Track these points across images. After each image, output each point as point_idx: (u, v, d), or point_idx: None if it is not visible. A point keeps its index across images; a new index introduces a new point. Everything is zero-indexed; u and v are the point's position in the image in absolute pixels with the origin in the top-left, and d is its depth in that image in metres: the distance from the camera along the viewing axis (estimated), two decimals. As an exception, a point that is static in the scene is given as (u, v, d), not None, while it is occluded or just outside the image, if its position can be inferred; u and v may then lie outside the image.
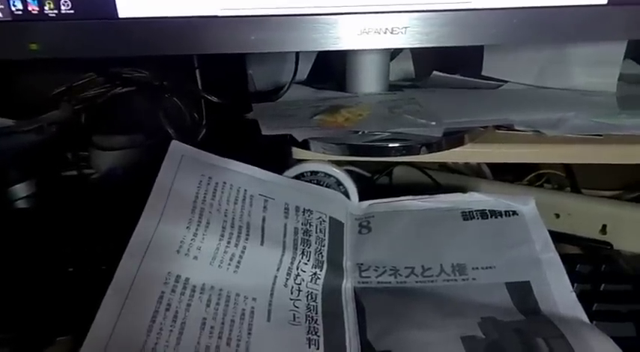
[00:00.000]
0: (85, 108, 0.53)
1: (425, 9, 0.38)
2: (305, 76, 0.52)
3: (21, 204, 0.45)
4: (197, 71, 0.55)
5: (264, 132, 0.39)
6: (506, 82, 0.50)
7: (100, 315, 0.26)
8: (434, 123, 0.40)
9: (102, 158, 0.52)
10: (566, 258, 0.34)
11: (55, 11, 0.37)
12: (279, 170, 0.41)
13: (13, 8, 0.36)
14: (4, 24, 0.37)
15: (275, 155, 0.43)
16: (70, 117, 0.51)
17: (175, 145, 0.36)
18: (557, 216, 0.44)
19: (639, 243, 0.41)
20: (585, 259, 0.37)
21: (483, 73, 0.51)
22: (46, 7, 0.37)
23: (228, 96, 0.52)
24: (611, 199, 0.46)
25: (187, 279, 0.30)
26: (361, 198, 0.41)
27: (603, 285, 0.34)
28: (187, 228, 0.32)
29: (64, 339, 0.32)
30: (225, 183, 0.36)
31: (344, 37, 0.39)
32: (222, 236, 0.32)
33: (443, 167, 0.53)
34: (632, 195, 0.48)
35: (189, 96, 0.54)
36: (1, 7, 0.36)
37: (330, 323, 0.31)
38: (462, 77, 0.50)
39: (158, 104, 0.53)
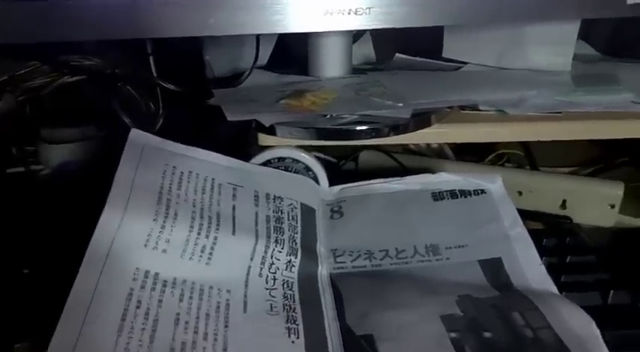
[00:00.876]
0: (30, 99, 0.49)
1: (388, -11, 0.38)
2: (265, 61, 0.51)
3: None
4: (151, 58, 0.52)
5: (230, 117, 0.37)
6: (466, 63, 0.50)
7: (63, 316, 0.25)
8: (401, 104, 0.40)
9: (52, 152, 0.48)
10: (532, 234, 0.35)
11: (-5, -9, 0.34)
12: (244, 158, 0.39)
13: (-55, -12, 0.33)
14: None
15: (239, 142, 0.41)
16: (13, 108, 0.48)
17: (136, 134, 0.34)
18: (520, 193, 0.45)
19: (596, 216, 0.43)
20: (550, 233, 0.38)
21: (444, 55, 0.51)
22: (-17, -13, 0.33)
23: (185, 84, 0.50)
24: (570, 175, 0.48)
25: (157, 274, 0.28)
26: (329, 185, 0.41)
27: (569, 257, 0.36)
28: (154, 220, 0.30)
29: (22, 345, 0.30)
30: (191, 172, 0.34)
31: (307, 18, 0.38)
32: (192, 227, 0.31)
33: (406, 150, 0.54)
34: (587, 170, 0.50)
35: (144, 84, 0.51)
36: None
37: (308, 311, 0.30)
38: (423, 59, 0.50)
39: (111, 93, 0.50)
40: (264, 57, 0.51)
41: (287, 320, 0.29)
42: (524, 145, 0.52)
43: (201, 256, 0.30)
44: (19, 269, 0.34)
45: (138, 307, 0.27)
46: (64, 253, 0.31)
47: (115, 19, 0.36)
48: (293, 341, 0.28)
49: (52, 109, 0.50)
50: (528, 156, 0.52)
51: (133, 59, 0.51)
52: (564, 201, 0.44)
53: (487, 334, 0.27)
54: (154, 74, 0.52)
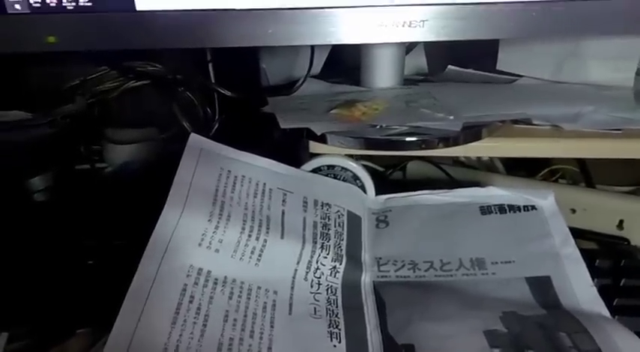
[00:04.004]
0: (99, 101, 0.53)
1: (443, 2, 0.38)
2: (319, 70, 0.52)
3: (37, 197, 0.45)
4: (210, 65, 0.55)
5: (282, 125, 0.39)
6: (521, 76, 0.49)
7: (124, 306, 0.26)
8: (452, 117, 0.40)
9: (115, 152, 0.52)
10: (585, 253, 0.34)
11: (73, 3, 0.37)
12: (295, 164, 0.41)
13: (32, 1, 0.36)
14: (22, 16, 0.37)
15: (290, 149, 0.43)
16: (83, 110, 0.51)
17: (194, 138, 0.36)
18: (574, 211, 0.44)
19: (656, 238, 0.41)
20: (604, 254, 0.37)
21: (498, 68, 0.50)
22: (64, 0, 0.36)
23: (241, 90, 0.52)
24: (629, 194, 0.46)
25: (209, 272, 0.30)
26: (375, 194, 0.41)
27: (624, 280, 0.34)
28: (209, 220, 0.32)
29: (83, 331, 0.32)
30: (244, 176, 0.36)
31: (361, 30, 0.39)
32: (243, 229, 0.32)
33: (456, 162, 0.53)
34: (648, 190, 0.48)
35: (202, 90, 0.54)
36: (20, -1, 0.36)
37: (350, 317, 0.31)
38: (476, 71, 0.50)
39: (171, 98, 0.53)
40: (318, 66, 0.52)
41: (329, 325, 0.30)
42: (580, 162, 0.51)
43: (250, 257, 0.32)
44: (83, 260, 0.36)
45: (191, 302, 0.28)
46: (126, 247, 0.33)
47: (181, 30, 0.38)
48: (335, 345, 0.29)
49: (118, 112, 0.54)
50: (584, 173, 0.50)
51: (193, 66, 0.53)
52: (621, 222, 0.42)
53: (531, 352, 0.27)
54: (212, 81, 0.54)
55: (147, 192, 0.34)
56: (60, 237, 0.39)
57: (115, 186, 0.49)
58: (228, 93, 0.52)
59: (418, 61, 0.54)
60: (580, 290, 0.32)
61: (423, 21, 0.39)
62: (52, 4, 0.36)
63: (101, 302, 0.28)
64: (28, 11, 0.36)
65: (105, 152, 0.52)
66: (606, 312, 0.30)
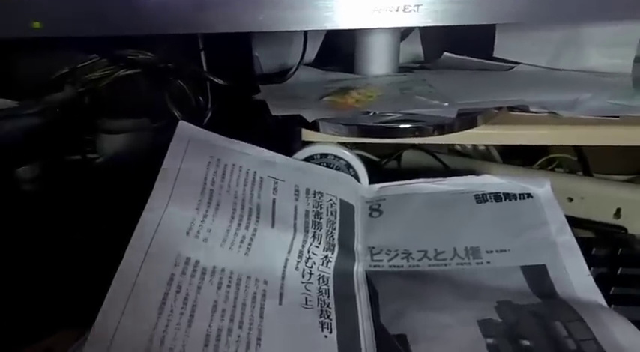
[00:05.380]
0: (89, 90, 0.52)
1: (438, -14, 0.37)
2: (312, 58, 0.51)
3: (26, 187, 0.44)
4: (202, 53, 0.54)
5: (274, 112, 0.38)
6: (518, 63, 0.49)
7: (108, 297, 0.26)
8: (447, 104, 0.39)
9: (107, 141, 0.51)
10: (581, 242, 0.33)
11: (59, -12, 0.36)
12: (287, 152, 0.40)
13: (15, -15, 0.35)
14: (6, 1, 0.36)
15: (283, 137, 0.42)
16: (73, 99, 0.50)
17: (183, 126, 0.35)
18: (570, 200, 0.43)
19: (654, 227, 0.41)
20: (601, 243, 0.37)
21: (495, 55, 0.50)
22: (49, -16, 0.35)
23: (233, 79, 0.51)
24: (626, 183, 0.45)
25: (197, 262, 0.29)
26: (370, 182, 0.40)
27: (620, 269, 0.34)
28: (197, 209, 0.31)
29: (70, 328, 0.31)
30: (234, 164, 0.35)
31: (356, 15, 0.38)
32: (233, 218, 0.32)
33: (451, 151, 0.53)
34: (646, 178, 0.48)
35: (195, 78, 0.53)
36: (3, -17, 0.35)
37: (342, 307, 0.30)
38: (473, 58, 0.49)
39: (163, 86, 0.52)
40: (312, 54, 0.51)
41: (321, 315, 0.29)
42: (578, 150, 0.50)
43: (240, 246, 0.31)
44: (71, 254, 0.36)
45: (178, 292, 0.27)
46: (115, 239, 0.33)
47: (168, 15, 0.37)
48: (326, 336, 0.28)
49: (109, 101, 0.53)
50: (581, 162, 0.50)
51: (184, 54, 0.52)
52: (619, 210, 0.42)
53: (526, 342, 0.26)
54: (205, 69, 0.53)
55: (138, 182, 0.34)
56: (48, 229, 0.38)
57: (107, 176, 0.49)
58: (221, 82, 0.51)
59: (414, 48, 0.54)
60: (576, 278, 0.31)
61: (418, 5, 0.38)
62: (36, -11, 0.36)
63: (89, 296, 0.28)
64: (12, -4, 0.35)
65: (96, 142, 0.51)
66: (602, 301, 0.30)
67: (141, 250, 0.28)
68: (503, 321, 0.28)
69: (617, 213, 0.42)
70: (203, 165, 0.34)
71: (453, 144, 0.52)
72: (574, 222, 0.40)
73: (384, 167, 0.50)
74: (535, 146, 0.50)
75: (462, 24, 0.38)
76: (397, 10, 0.38)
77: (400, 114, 0.39)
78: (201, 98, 0.53)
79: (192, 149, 0.34)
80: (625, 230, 0.41)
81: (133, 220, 0.30)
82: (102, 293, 0.27)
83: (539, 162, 0.51)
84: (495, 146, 0.52)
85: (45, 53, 0.51)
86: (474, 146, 0.53)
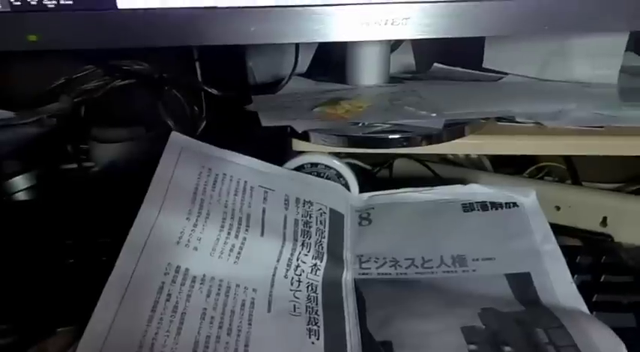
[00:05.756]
0: (85, 100, 0.52)
1: (426, 0, 0.38)
2: (305, 69, 0.52)
3: (21, 196, 0.45)
4: (197, 63, 0.55)
5: (264, 123, 0.39)
6: (507, 74, 0.49)
7: (100, 304, 0.26)
8: (434, 114, 0.40)
9: (102, 151, 0.51)
10: (566, 250, 0.34)
11: (54, 2, 0.36)
12: (279, 162, 0.41)
13: (12, -1, 0.36)
14: (2, 15, 0.36)
15: (275, 147, 0.43)
16: (69, 109, 0.51)
17: (175, 137, 0.36)
18: (558, 208, 0.44)
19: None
20: (586, 251, 0.37)
21: (484, 66, 0.50)
22: (45, -2, 0.36)
23: (228, 89, 0.52)
24: (612, 191, 0.46)
25: (187, 270, 0.30)
26: (362, 191, 0.41)
27: (604, 276, 0.34)
28: (187, 219, 0.32)
29: (64, 330, 0.32)
30: (225, 174, 0.36)
31: (344, 28, 0.39)
32: (223, 227, 0.32)
33: (443, 160, 0.53)
34: (633, 187, 0.48)
35: (189, 88, 0.54)
36: (0, -3, 0.36)
37: (330, 314, 0.31)
38: (462, 69, 0.50)
39: (158, 97, 0.53)
40: (304, 64, 0.52)
41: (309, 322, 0.30)
42: (567, 159, 0.51)
43: (229, 255, 0.32)
44: (65, 258, 0.36)
45: (168, 300, 0.28)
46: (108, 246, 0.33)
47: (164, 28, 0.38)
48: (313, 342, 0.29)
49: (104, 110, 0.54)
50: (570, 170, 0.50)
51: (179, 65, 0.53)
52: (605, 218, 0.42)
53: (508, 348, 0.27)
54: (199, 79, 0.54)
55: (132, 191, 0.34)
56: (42, 235, 0.39)
57: (101, 185, 0.49)
58: (215, 92, 0.52)
59: (406, 59, 0.54)
60: (559, 286, 0.32)
61: (406, 19, 0.39)
62: (32, 3, 0.36)
63: (82, 301, 0.28)
64: (9, 9, 0.36)
65: (92, 151, 0.52)
66: (585, 308, 0.30)
67: (132, 258, 0.29)
68: (486, 328, 0.28)
69: (604, 221, 0.42)
70: (194, 174, 0.34)
71: (444, 154, 0.53)
72: (561, 230, 0.40)
73: (376, 176, 0.51)
74: (525, 154, 0.50)
75: (450, 36, 0.39)
76: (386, 24, 0.39)
77: (389, 125, 0.40)
78: (195, 108, 0.54)
79: (184, 159, 0.35)
80: (611, 238, 0.42)
81: (126, 228, 0.31)
82: (94, 300, 0.27)
83: (528, 170, 0.51)
84: (487, 154, 0.53)
85: (41, 64, 0.52)
86: (467, 155, 0.53)
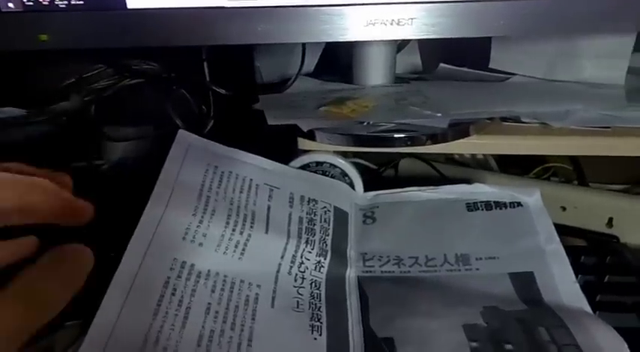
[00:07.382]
0: (95, 99, 0.53)
1: (432, 0, 0.38)
2: (312, 68, 0.53)
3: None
4: (205, 63, 0.55)
5: (270, 122, 0.39)
6: (514, 74, 0.50)
7: (106, 298, 0.27)
8: (439, 114, 0.40)
9: (112, 149, 0.52)
10: (571, 250, 0.34)
11: (65, 2, 0.37)
12: (285, 160, 0.41)
13: (25, -1, 0.37)
14: (14, 15, 0.37)
15: (281, 146, 0.43)
16: (79, 108, 0.52)
17: (182, 134, 0.37)
18: (564, 208, 0.44)
19: (646, 236, 0.41)
20: (590, 251, 0.37)
21: (491, 66, 0.51)
22: (57, -2, 0.37)
23: (235, 88, 0.53)
24: (618, 192, 0.46)
25: (193, 265, 0.30)
26: (367, 190, 0.41)
27: (607, 277, 0.34)
28: (193, 215, 0.32)
29: (73, 323, 0.33)
30: (231, 172, 0.36)
31: (351, 28, 0.39)
32: (228, 223, 0.33)
33: (449, 160, 0.53)
34: (639, 188, 0.48)
35: (197, 87, 0.54)
36: (13, -3, 0.37)
37: (333, 311, 0.31)
38: (469, 69, 0.50)
39: (166, 96, 0.53)
40: (311, 64, 0.52)
41: (311, 318, 0.30)
42: (574, 160, 0.51)
43: (234, 251, 0.32)
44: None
45: (173, 294, 0.28)
46: (116, 241, 0.34)
47: (169, 27, 0.39)
48: (315, 338, 0.29)
49: (114, 109, 0.54)
50: (577, 171, 0.50)
51: (188, 64, 0.54)
52: (611, 219, 0.42)
53: (509, 346, 0.27)
54: (207, 79, 0.55)
55: (140, 189, 0.35)
56: (51, 232, 0.39)
57: (111, 183, 0.50)
58: (223, 92, 0.52)
59: (413, 59, 0.55)
60: (563, 286, 0.32)
61: (412, 19, 0.39)
62: (44, 3, 0.37)
63: (90, 295, 0.29)
64: (21, 9, 0.37)
65: (102, 149, 0.53)
66: (588, 308, 0.30)
67: (139, 253, 0.29)
68: (487, 326, 0.28)
69: (610, 222, 0.42)
70: (201, 172, 0.35)
71: (451, 154, 0.53)
72: (567, 231, 0.40)
73: (382, 175, 0.51)
74: (532, 155, 0.50)
75: (455, 36, 0.39)
76: (392, 24, 0.39)
77: (394, 124, 0.40)
78: (204, 107, 0.55)
79: (191, 157, 0.36)
80: (617, 239, 0.42)
81: (134, 224, 0.31)
82: (101, 294, 0.28)
83: (534, 171, 0.51)
84: (492, 155, 0.53)
85: (52, 64, 0.52)
86: (473, 155, 0.54)
